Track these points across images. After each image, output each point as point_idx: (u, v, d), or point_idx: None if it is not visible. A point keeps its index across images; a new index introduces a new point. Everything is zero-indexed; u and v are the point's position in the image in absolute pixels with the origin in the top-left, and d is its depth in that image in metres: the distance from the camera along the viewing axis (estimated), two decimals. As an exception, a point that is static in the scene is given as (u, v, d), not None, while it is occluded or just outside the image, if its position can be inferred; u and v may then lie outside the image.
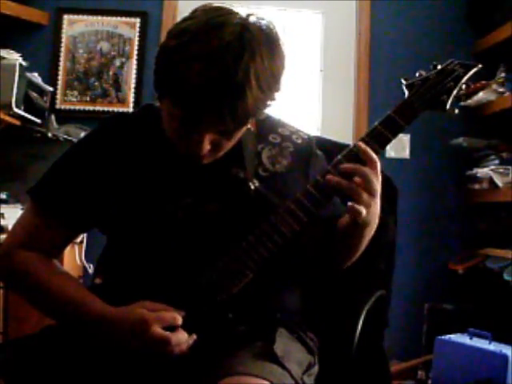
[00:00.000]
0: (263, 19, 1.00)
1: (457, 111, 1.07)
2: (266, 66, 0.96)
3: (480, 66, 1.09)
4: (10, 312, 2.18)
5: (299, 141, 1.19)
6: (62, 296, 1.06)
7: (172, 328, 0.96)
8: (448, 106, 1.06)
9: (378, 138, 1.02)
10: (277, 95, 1.02)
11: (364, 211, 0.98)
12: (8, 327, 2.18)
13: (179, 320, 0.97)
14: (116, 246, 1.16)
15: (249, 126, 1.08)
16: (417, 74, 1.08)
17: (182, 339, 0.96)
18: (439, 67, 1.07)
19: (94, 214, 1.13)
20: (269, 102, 1.02)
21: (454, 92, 1.06)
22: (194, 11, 1.01)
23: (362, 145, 1.00)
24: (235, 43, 0.93)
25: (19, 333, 1.12)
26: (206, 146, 1.00)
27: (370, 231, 1.09)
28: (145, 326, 0.95)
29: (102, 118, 1.21)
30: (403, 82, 1.07)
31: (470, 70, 1.07)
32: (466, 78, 1.07)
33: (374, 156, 1.00)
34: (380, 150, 1.02)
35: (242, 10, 1.01)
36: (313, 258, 1.19)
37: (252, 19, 0.99)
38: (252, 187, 1.09)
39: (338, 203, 1.16)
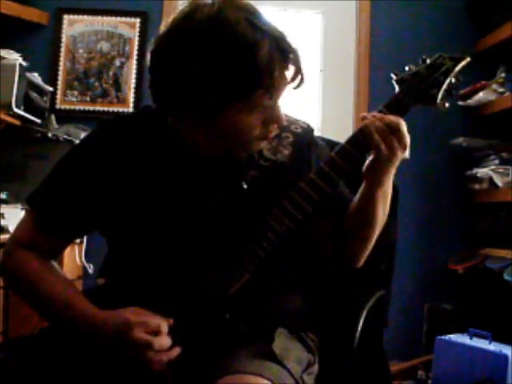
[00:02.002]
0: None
1: (447, 105, 1.06)
2: None
3: (469, 58, 1.08)
4: (11, 312, 2.18)
5: (299, 130, 1.19)
6: (51, 295, 1.06)
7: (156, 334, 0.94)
8: (438, 100, 1.05)
9: None
10: None
11: (386, 151, 0.99)
12: (8, 327, 2.18)
13: (164, 327, 0.95)
14: (117, 248, 1.16)
15: None
16: (406, 69, 1.07)
17: (165, 345, 0.94)
18: (428, 61, 1.07)
19: (94, 218, 1.13)
20: None
21: (444, 85, 1.05)
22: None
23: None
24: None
25: (20, 333, 1.12)
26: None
27: (385, 197, 1.09)
28: (127, 328, 0.93)
29: (101, 118, 1.20)
30: (393, 76, 1.07)
31: (459, 62, 1.07)
32: (455, 71, 1.06)
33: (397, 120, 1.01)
34: None
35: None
36: (326, 254, 1.18)
37: None
38: (252, 175, 1.08)
39: (346, 193, 1.16)
